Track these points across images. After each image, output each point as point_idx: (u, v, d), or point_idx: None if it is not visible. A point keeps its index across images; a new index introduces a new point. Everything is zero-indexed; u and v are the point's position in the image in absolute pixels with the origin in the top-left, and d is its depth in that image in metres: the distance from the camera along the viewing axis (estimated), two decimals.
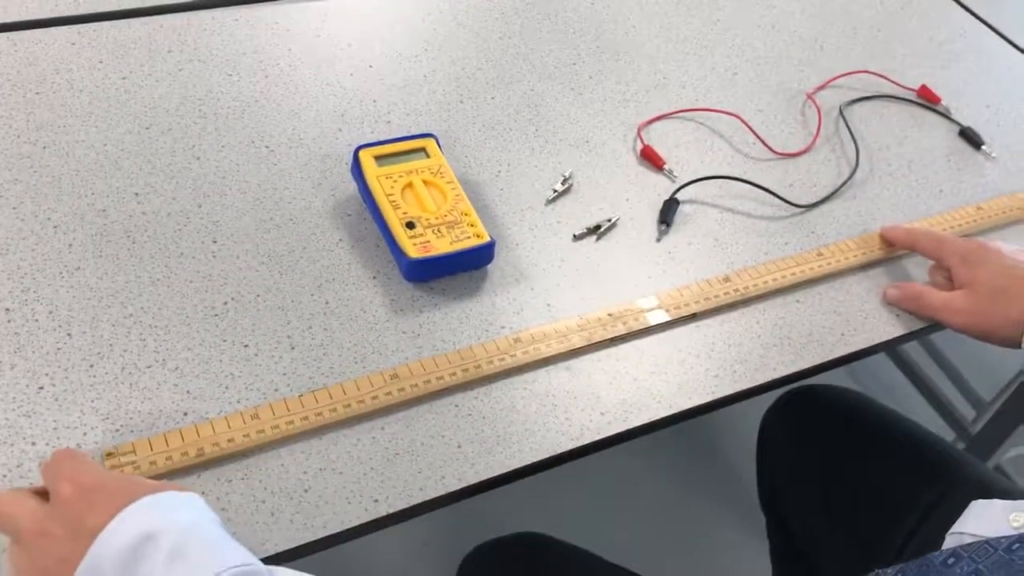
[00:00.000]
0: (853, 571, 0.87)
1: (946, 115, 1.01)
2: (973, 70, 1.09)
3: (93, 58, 0.85)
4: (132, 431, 0.61)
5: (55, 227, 0.71)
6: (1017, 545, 0.60)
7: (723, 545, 1.53)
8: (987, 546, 0.62)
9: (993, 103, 1.04)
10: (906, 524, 0.85)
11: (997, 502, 0.71)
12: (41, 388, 0.62)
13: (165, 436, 0.60)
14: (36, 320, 0.65)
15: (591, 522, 1.48)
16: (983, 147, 0.97)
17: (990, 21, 1.18)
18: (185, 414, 0.62)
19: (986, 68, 1.09)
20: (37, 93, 0.81)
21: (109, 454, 0.59)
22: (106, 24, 0.89)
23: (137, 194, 0.75)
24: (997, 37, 1.15)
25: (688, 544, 1.52)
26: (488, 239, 0.73)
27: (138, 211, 0.74)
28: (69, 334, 0.65)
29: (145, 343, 0.65)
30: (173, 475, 0.59)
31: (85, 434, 0.60)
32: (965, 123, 0.99)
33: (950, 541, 0.73)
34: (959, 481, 0.85)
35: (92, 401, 0.62)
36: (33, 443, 0.59)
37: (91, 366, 0.63)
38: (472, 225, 0.74)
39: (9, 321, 0.65)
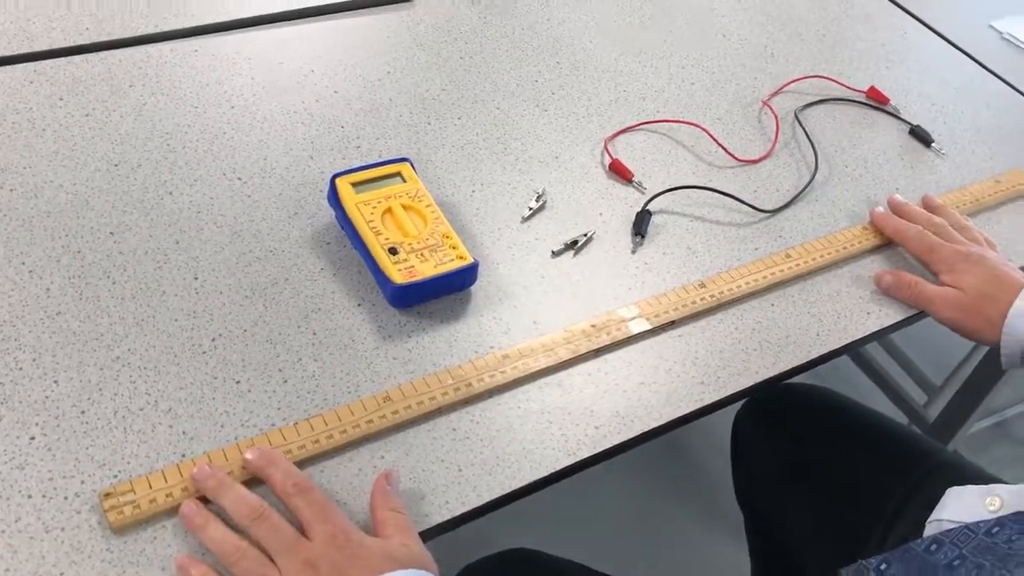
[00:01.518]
0: (834, 564, 0.89)
1: (896, 115, 1.04)
2: (917, 69, 1.12)
3: (53, 95, 0.84)
4: (129, 476, 0.60)
5: (31, 272, 0.70)
6: (996, 528, 0.62)
7: (703, 543, 1.55)
8: (967, 531, 0.64)
9: (938, 101, 1.08)
10: (884, 515, 0.87)
11: (971, 488, 0.74)
12: (32, 438, 0.61)
13: (163, 472, 0.60)
14: (20, 369, 0.64)
15: (574, 532, 1.49)
16: (933, 144, 1.01)
17: (927, 21, 1.22)
18: (183, 455, 0.61)
19: (928, 67, 1.13)
20: None
21: (107, 494, 0.58)
22: (62, 60, 0.88)
23: (112, 233, 0.74)
24: (935, 36, 1.20)
25: (667, 544, 1.53)
26: (471, 260, 0.74)
27: (115, 250, 0.73)
28: (56, 381, 0.64)
29: (135, 385, 0.65)
30: (175, 511, 0.58)
31: (83, 482, 0.59)
32: (914, 122, 1.03)
33: (930, 529, 0.76)
34: (932, 469, 0.88)
35: (87, 448, 0.61)
36: (29, 496, 0.58)
37: (82, 412, 0.62)
38: (454, 247, 0.74)
39: None
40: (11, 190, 0.75)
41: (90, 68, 0.87)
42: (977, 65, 1.16)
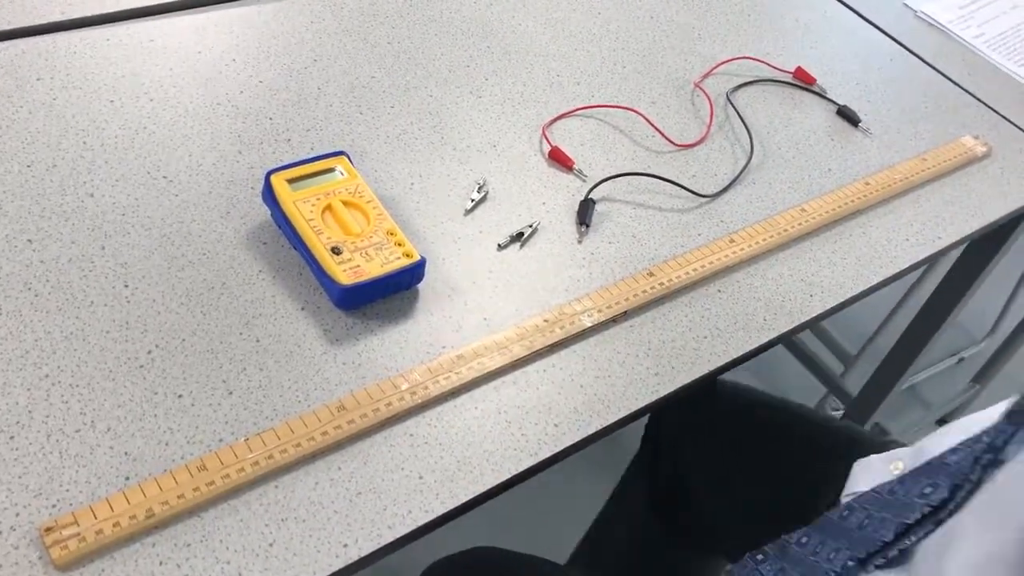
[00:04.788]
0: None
1: (822, 95, 1.05)
2: (839, 49, 1.14)
3: None
4: (70, 504, 0.56)
5: None
6: (898, 485, 0.65)
7: None
8: (874, 494, 0.67)
9: (862, 80, 1.10)
10: (805, 500, 0.88)
11: (874, 458, 0.76)
12: None
13: (108, 501, 0.56)
14: None
15: (530, 527, 1.49)
16: (860, 124, 1.02)
17: (846, 0, 1.23)
18: (127, 478, 0.58)
19: (850, 46, 1.15)
20: None
21: (48, 529, 0.54)
22: None
23: (30, 240, 0.69)
24: (853, 15, 1.21)
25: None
26: (419, 257, 0.71)
27: (35, 259, 0.67)
28: None
29: (68, 405, 0.60)
30: (124, 542, 0.55)
31: (18, 514, 0.55)
32: (841, 102, 1.04)
33: (845, 501, 0.77)
34: (846, 452, 0.89)
35: (19, 477, 0.56)
36: None
37: (11, 438, 0.58)
38: (400, 244, 0.72)
39: None
40: None
41: None
42: (895, 43, 1.18)
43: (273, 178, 0.73)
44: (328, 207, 0.72)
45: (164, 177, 0.76)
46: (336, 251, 0.70)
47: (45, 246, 0.69)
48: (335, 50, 0.92)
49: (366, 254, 0.70)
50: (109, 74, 0.83)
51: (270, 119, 0.83)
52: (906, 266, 0.88)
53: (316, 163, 0.75)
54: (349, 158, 0.77)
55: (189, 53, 0.87)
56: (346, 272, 0.69)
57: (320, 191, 0.73)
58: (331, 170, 0.75)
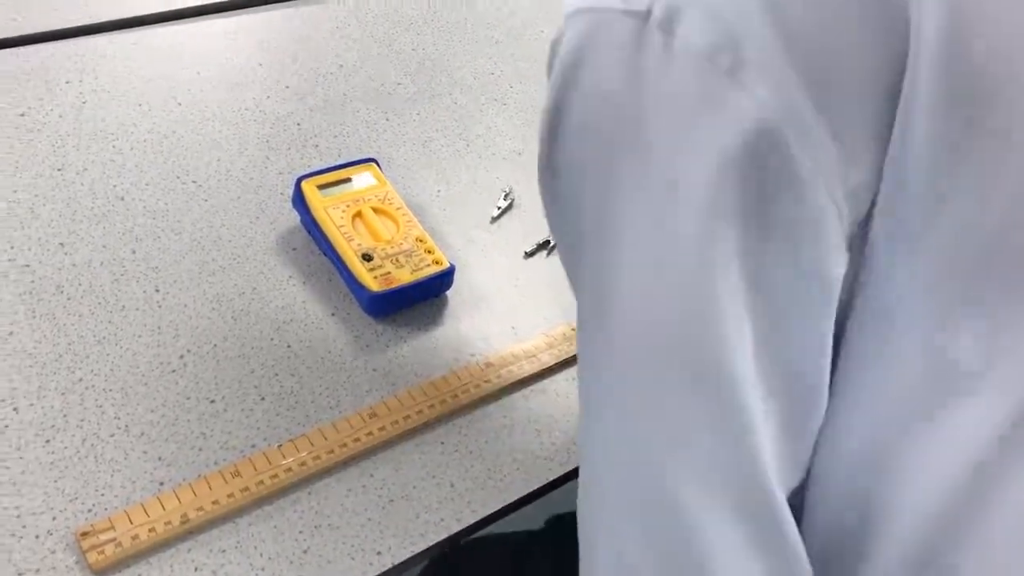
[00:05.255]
0: None
1: None
2: None
3: None
4: (106, 508, 0.56)
5: None
6: None
7: None
8: None
9: None
10: None
11: None
12: None
13: (143, 506, 0.56)
14: None
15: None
16: None
17: None
18: (161, 483, 0.58)
19: None
20: None
21: (84, 533, 0.54)
22: None
23: (62, 244, 0.69)
24: None
25: None
26: (448, 265, 0.71)
27: (67, 263, 0.68)
28: (15, 409, 0.59)
29: (103, 409, 0.60)
30: (159, 547, 0.55)
31: (54, 518, 0.55)
32: None
33: None
34: None
35: (55, 481, 0.56)
36: None
37: (47, 442, 0.58)
38: (430, 252, 0.72)
39: None
40: None
41: (20, 63, 0.81)
42: None
43: (304, 184, 0.73)
44: (358, 214, 0.73)
45: (193, 182, 0.76)
46: (367, 258, 0.70)
47: (77, 249, 0.69)
48: (360, 56, 0.92)
49: (396, 261, 0.71)
50: (137, 77, 0.83)
51: (298, 124, 0.84)
52: None
53: (346, 169, 0.75)
54: (378, 165, 0.77)
55: (217, 57, 0.87)
56: (376, 279, 0.69)
57: (350, 198, 0.73)
58: (361, 177, 0.76)
